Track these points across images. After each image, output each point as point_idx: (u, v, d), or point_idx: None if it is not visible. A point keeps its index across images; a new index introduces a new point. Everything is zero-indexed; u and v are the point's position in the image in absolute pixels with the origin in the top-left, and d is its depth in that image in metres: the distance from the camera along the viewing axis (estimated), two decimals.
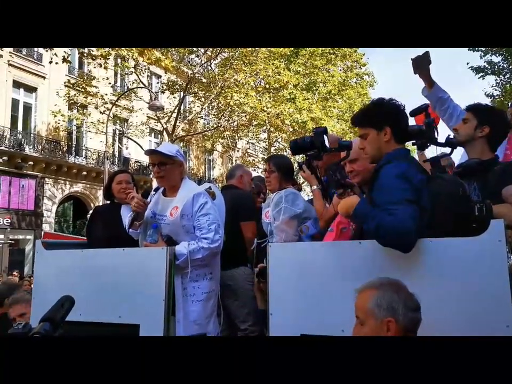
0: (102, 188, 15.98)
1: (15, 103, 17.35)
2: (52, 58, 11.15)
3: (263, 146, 22.88)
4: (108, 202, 3.30)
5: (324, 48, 18.94)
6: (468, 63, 16.94)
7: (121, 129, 20.28)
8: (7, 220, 16.69)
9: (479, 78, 16.57)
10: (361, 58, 22.76)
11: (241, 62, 16.80)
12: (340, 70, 22.09)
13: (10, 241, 16.85)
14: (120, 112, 19.44)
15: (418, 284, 1.67)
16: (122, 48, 14.28)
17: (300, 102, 18.13)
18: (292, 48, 18.48)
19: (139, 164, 21.10)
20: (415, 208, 1.65)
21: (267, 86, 17.76)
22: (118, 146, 20.62)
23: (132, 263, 2.31)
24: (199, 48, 16.94)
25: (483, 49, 16.04)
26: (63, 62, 11.44)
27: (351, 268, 1.80)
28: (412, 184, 1.71)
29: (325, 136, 2.22)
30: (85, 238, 3.28)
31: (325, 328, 1.81)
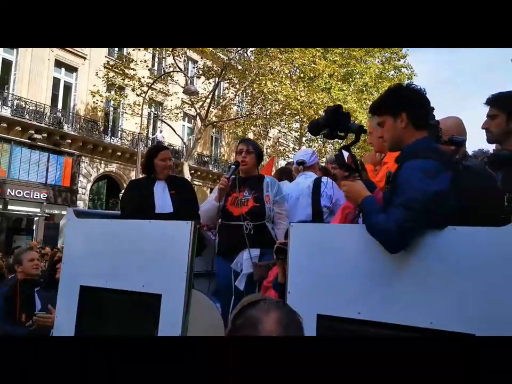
0: (135, 168, 16.36)
1: (56, 82, 17.92)
2: None
3: (295, 136, 22.73)
4: (143, 176, 3.41)
5: None
6: None
7: (156, 112, 20.60)
8: (43, 195, 17.38)
9: None
10: (401, 50, 22.10)
11: (277, 50, 16.68)
12: (378, 62, 21.56)
13: (46, 215, 17.57)
14: (156, 95, 19.74)
15: (441, 273, 1.64)
16: None
17: (335, 92, 17.86)
18: None
19: (172, 147, 21.44)
20: (410, 213, 1.59)
21: (302, 74, 17.58)
22: (152, 129, 20.99)
23: (157, 235, 2.38)
24: None
25: None
26: None
27: (371, 250, 1.79)
28: (432, 184, 1.62)
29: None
30: None
31: (342, 310, 1.82)
